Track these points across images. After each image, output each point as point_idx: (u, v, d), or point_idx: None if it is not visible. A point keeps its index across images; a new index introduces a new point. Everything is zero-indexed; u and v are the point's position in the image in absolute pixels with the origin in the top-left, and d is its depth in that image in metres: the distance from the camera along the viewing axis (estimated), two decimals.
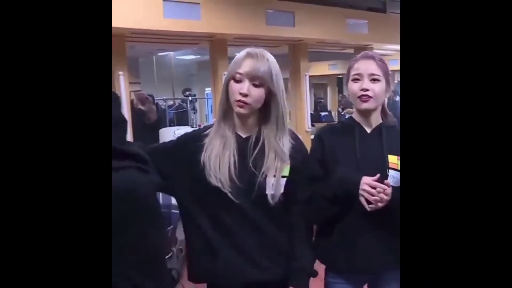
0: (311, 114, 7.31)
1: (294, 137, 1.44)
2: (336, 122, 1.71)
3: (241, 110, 1.35)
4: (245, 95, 1.33)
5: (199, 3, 3.86)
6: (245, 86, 1.33)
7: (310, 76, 5.87)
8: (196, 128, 1.53)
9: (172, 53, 7.61)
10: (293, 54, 5.12)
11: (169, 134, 4.01)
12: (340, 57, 7.95)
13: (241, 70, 1.34)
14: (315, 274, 1.46)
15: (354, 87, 1.48)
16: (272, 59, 1.38)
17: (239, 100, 1.33)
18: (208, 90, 9.21)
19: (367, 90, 1.44)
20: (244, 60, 1.35)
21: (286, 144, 1.40)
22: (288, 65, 5.22)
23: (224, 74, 4.52)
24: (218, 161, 1.36)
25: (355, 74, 1.49)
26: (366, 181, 1.38)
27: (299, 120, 5.18)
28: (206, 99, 9.39)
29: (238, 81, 1.34)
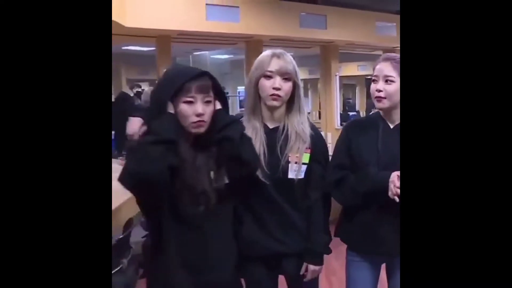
0: (340, 114, 7.47)
1: (313, 127, 1.61)
2: (363, 117, 1.86)
3: (275, 103, 1.52)
4: (278, 89, 1.50)
5: (238, 7, 4.10)
6: (277, 81, 1.50)
7: (339, 77, 6.06)
8: None
9: (207, 52, 7.92)
10: (324, 55, 5.30)
11: None
12: (369, 58, 8.04)
13: (271, 68, 1.51)
14: (328, 252, 1.62)
15: (372, 87, 1.60)
16: (291, 57, 1.56)
17: (273, 94, 1.50)
18: (240, 88, 9.50)
19: (380, 91, 1.55)
20: (272, 60, 1.52)
21: (306, 129, 1.56)
22: (319, 66, 5.44)
23: None
24: None
25: (374, 76, 1.61)
26: (394, 176, 1.46)
27: (329, 119, 5.36)
28: (237, 97, 9.68)
29: (269, 78, 1.51)
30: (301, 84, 1.58)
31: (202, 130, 1.37)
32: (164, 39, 4.13)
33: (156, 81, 1.54)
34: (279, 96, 1.51)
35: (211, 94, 1.38)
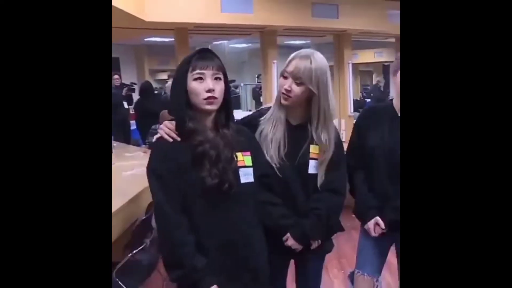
0: (356, 100, 7.58)
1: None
2: (378, 105, 1.97)
3: (285, 102, 1.59)
4: (288, 91, 1.57)
5: None
6: (288, 83, 1.56)
7: (357, 64, 6.13)
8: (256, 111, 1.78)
9: (225, 42, 8.14)
10: (337, 44, 5.39)
11: None
12: (386, 45, 8.08)
13: (288, 69, 1.57)
14: (315, 237, 1.63)
15: (397, 81, 1.70)
16: (319, 61, 1.55)
17: (283, 93, 1.58)
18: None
19: None
20: (293, 60, 1.57)
21: (325, 136, 1.59)
22: (333, 54, 5.57)
23: (274, 62, 4.82)
24: (270, 141, 1.59)
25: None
26: (371, 224, 1.64)
27: (343, 106, 5.48)
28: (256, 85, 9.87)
29: (285, 78, 1.58)
30: (323, 90, 1.57)
31: (214, 107, 1.39)
32: (182, 31, 4.34)
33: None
34: (289, 97, 1.58)
35: (220, 71, 1.39)
